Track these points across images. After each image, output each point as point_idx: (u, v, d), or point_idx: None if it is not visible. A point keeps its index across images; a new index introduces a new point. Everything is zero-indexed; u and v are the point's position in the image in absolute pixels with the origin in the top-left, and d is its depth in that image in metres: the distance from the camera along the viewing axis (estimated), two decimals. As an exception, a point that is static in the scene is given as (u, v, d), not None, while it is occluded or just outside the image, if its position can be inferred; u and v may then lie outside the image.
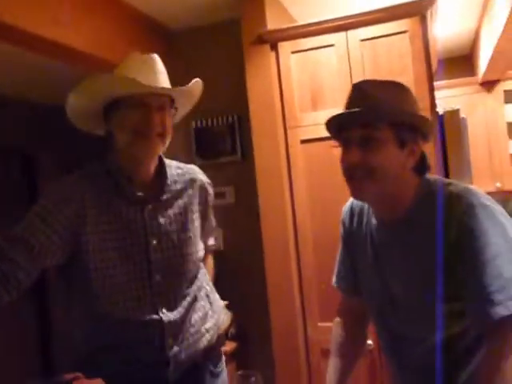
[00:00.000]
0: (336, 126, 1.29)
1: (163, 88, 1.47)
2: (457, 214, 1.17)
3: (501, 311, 1.08)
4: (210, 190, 1.72)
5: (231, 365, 1.73)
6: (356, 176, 1.23)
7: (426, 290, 1.22)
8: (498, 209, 1.19)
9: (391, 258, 1.31)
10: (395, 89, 1.28)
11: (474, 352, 1.17)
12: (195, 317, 1.58)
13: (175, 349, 1.49)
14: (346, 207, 1.50)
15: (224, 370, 1.70)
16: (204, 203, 1.68)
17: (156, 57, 1.52)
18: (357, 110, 1.22)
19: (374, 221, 1.36)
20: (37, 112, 4.26)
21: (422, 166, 1.30)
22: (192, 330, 1.55)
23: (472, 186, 1.25)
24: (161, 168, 1.55)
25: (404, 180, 1.27)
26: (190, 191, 1.62)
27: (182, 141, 3.24)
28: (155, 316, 1.46)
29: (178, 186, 1.59)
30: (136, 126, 1.41)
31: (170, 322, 1.47)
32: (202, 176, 1.70)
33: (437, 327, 1.21)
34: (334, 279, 1.56)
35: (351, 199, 1.47)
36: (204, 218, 1.68)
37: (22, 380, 3.45)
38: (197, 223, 1.63)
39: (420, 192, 1.27)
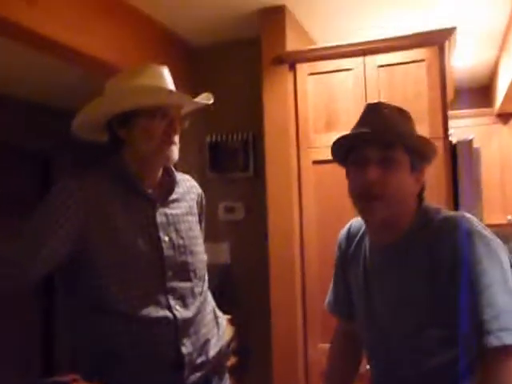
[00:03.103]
0: (346, 146, 1.30)
1: (192, 101, 1.55)
2: (452, 240, 1.17)
3: (493, 341, 1.07)
4: (204, 201, 1.75)
5: (230, 380, 1.73)
6: (371, 195, 1.22)
7: (415, 316, 1.22)
8: (492, 238, 1.19)
9: (381, 282, 1.31)
10: (405, 114, 1.31)
11: (465, 382, 1.16)
12: (207, 318, 1.59)
13: (189, 348, 1.48)
14: (343, 230, 1.50)
15: None
16: (200, 211, 1.72)
17: (165, 67, 1.58)
18: (378, 129, 1.23)
19: (367, 243, 1.37)
20: (55, 116, 4.36)
21: (421, 193, 1.31)
22: (204, 330, 1.55)
23: (468, 214, 1.25)
24: (167, 170, 1.60)
25: (407, 205, 1.28)
26: (191, 195, 1.67)
27: (196, 154, 3.28)
28: (169, 313, 1.46)
29: (182, 190, 1.64)
30: (162, 135, 1.48)
31: (183, 320, 1.47)
32: (198, 186, 1.75)
33: (427, 354, 1.20)
34: (326, 304, 1.56)
35: (350, 223, 1.49)
36: (200, 226, 1.71)
37: (20, 380, 3.46)
38: (198, 227, 1.67)
39: (417, 218, 1.27)
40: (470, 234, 1.16)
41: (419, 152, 1.26)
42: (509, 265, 1.18)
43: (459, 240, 1.16)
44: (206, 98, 1.63)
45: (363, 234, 1.41)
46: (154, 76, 1.52)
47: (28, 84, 3.92)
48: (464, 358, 1.17)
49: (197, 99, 1.60)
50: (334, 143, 1.32)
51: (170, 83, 1.56)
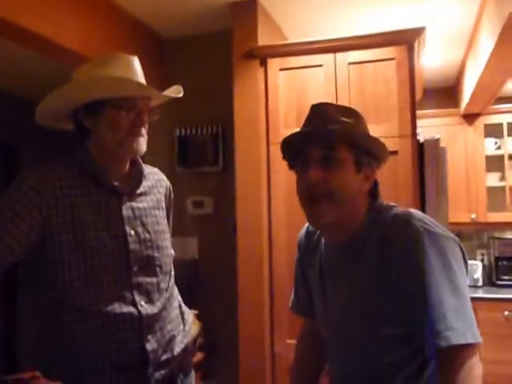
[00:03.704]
0: (293, 148, 1.29)
1: (161, 94, 1.52)
2: (401, 239, 1.17)
3: (441, 342, 1.07)
4: (173, 195, 1.73)
5: (196, 375, 1.72)
6: (315, 197, 1.22)
7: (366, 313, 1.22)
8: (444, 235, 1.18)
9: (335, 280, 1.31)
10: (352, 113, 1.29)
11: (418, 381, 1.18)
12: (173, 314, 1.58)
13: (154, 345, 1.46)
14: (302, 231, 1.51)
15: (193, 383, 1.68)
16: (168, 205, 1.70)
17: (135, 57, 1.54)
18: (318, 128, 1.23)
19: (322, 242, 1.37)
20: (20, 106, 4.25)
21: (373, 192, 1.30)
22: (169, 326, 1.54)
23: (418, 211, 1.25)
24: (135, 163, 1.57)
25: (357, 204, 1.27)
26: (159, 189, 1.65)
27: (165, 148, 3.24)
28: (133, 309, 1.43)
29: (149, 183, 1.62)
30: (129, 127, 1.45)
31: (148, 316, 1.45)
32: (166, 179, 1.72)
33: (379, 352, 1.21)
34: (290, 306, 1.57)
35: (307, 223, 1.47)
36: (167, 220, 1.69)
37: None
38: (165, 221, 1.65)
39: (369, 216, 1.27)
40: (419, 232, 1.15)
41: (365, 149, 1.24)
42: (461, 261, 1.18)
43: (408, 238, 1.16)
44: (175, 92, 1.60)
45: (320, 233, 1.41)
46: (124, 66, 1.49)
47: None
48: (415, 356, 1.18)
49: (166, 92, 1.57)
50: (281, 144, 1.32)
51: (139, 74, 1.53)
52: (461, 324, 1.08)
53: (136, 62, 1.53)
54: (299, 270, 1.51)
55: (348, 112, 1.29)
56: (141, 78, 1.53)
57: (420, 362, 1.18)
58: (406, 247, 1.15)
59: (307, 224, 1.47)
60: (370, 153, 1.25)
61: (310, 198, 1.24)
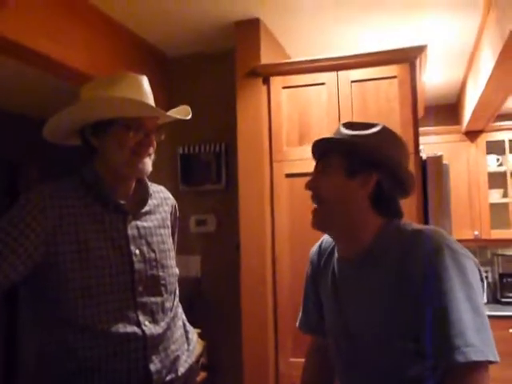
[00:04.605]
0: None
1: (167, 115, 1.52)
2: (422, 254, 1.17)
3: (458, 358, 1.06)
4: (178, 213, 1.73)
5: (199, 395, 1.71)
6: (312, 199, 1.32)
7: (384, 329, 1.21)
8: (463, 252, 1.19)
9: (349, 294, 1.31)
10: (363, 126, 1.32)
11: None
12: (177, 333, 1.56)
13: (158, 365, 1.44)
14: (315, 246, 1.52)
15: None
16: (174, 223, 1.70)
17: (144, 77, 1.55)
18: (316, 141, 1.35)
19: (336, 256, 1.38)
20: (25, 124, 4.29)
21: (388, 208, 1.30)
22: (174, 346, 1.52)
23: (439, 228, 1.26)
24: (141, 182, 1.57)
25: (363, 216, 1.28)
26: (165, 207, 1.64)
27: (168, 166, 3.25)
28: (137, 329, 1.42)
29: (155, 202, 1.61)
30: (136, 146, 1.45)
31: (152, 336, 1.44)
32: (172, 197, 1.72)
33: (397, 368, 1.20)
34: (298, 325, 1.56)
35: (322, 239, 1.50)
36: (173, 238, 1.68)
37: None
38: (170, 240, 1.64)
39: (382, 232, 1.27)
40: (439, 248, 1.16)
41: (358, 156, 1.27)
42: (478, 279, 1.18)
43: (428, 254, 1.16)
44: (183, 113, 1.60)
45: (333, 249, 1.41)
46: (133, 86, 1.49)
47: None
48: (432, 373, 1.17)
49: (174, 113, 1.57)
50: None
51: (148, 94, 1.53)
52: (480, 341, 1.08)
53: (145, 82, 1.53)
54: (310, 287, 1.51)
55: (360, 125, 1.33)
56: (150, 97, 1.53)
57: (432, 381, 1.17)
58: (428, 262, 1.15)
59: (320, 240, 1.51)
60: (364, 159, 1.27)
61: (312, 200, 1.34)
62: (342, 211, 1.28)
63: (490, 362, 1.08)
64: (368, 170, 1.26)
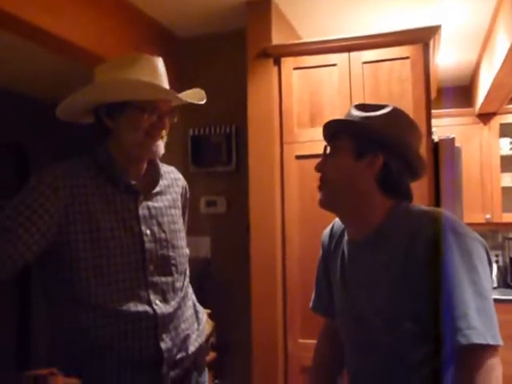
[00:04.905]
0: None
1: (182, 99, 1.52)
2: (429, 236, 1.17)
3: (461, 340, 1.07)
4: (188, 194, 1.73)
5: (209, 374, 1.72)
6: (320, 181, 1.34)
7: (386, 308, 1.22)
8: (471, 236, 1.19)
9: (357, 275, 1.32)
10: (374, 108, 1.31)
11: (438, 380, 1.16)
12: (187, 313, 1.58)
13: (168, 343, 1.46)
14: (327, 229, 1.53)
15: (206, 381, 1.68)
16: (184, 204, 1.71)
17: (160, 59, 1.54)
18: (326, 123, 1.35)
19: (346, 239, 1.39)
20: (31, 106, 4.30)
21: (397, 191, 1.30)
22: (184, 325, 1.54)
23: (447, 211, 1.26)
24: (152, 163, 1.57)
25: (370, 197, 1.28)
26: (176, 188, 1.65)
27: (179, 147, 3.25)
28: (148, 308, 1.44)
29: (166, 182, 1.62)
30: (149, 128, 1.45)
31: (163, 315, 1.46)
32: (183, 178, 1.72)
33: (401, 350, 1.21)
34: (311, 307, 1.57)
35: (333, 221, 1.50)
36: (183, 219, 1.69)
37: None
38: (181, 220, 1.65)
39: (391, 213, 1.28)
40: (446, 231, 1.16)
41: (365, 136, 1.27)
42: (486, 263, 1.18)
43: (434, 236, 1.16)
44: (198, 97, 1.60)
45: (343, 231, 1.42)
46: (149, 68, 1.48)
47: (5, 73, 3.83)
48: (436, 355, 1.17)
49: (189, 96, 1.56)
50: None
51: (163, 76, 1.52)
52: (482, 324, 1.08)
53: (160, 64, 1.53)
54: (322, 270, 1.52)
55: (372, 107, 1.32)
56: (164, 80, 1.52)
57: (437, 364, 1.17)
58: (433, 244, 1.15)
59: (332, 223, 1.51)
60: (368, 139, 1.26)
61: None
62: (347, 191, 1.29)
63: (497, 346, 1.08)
64: (375, 151, 1.26)
